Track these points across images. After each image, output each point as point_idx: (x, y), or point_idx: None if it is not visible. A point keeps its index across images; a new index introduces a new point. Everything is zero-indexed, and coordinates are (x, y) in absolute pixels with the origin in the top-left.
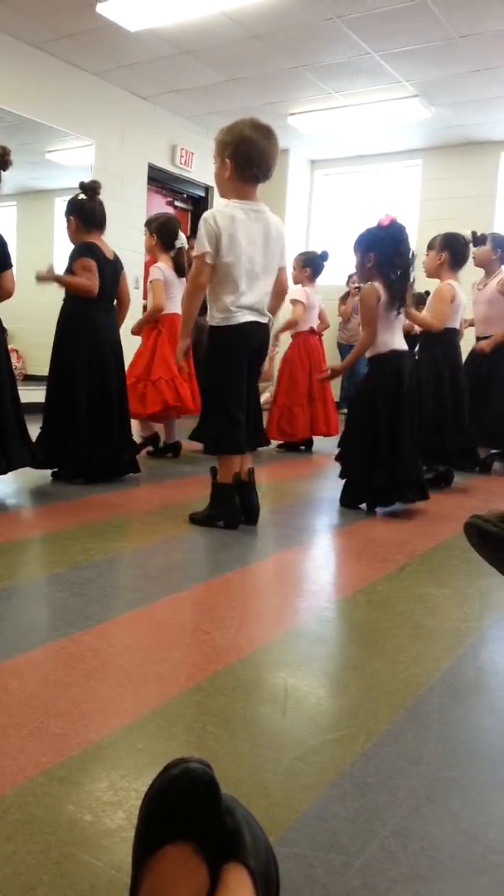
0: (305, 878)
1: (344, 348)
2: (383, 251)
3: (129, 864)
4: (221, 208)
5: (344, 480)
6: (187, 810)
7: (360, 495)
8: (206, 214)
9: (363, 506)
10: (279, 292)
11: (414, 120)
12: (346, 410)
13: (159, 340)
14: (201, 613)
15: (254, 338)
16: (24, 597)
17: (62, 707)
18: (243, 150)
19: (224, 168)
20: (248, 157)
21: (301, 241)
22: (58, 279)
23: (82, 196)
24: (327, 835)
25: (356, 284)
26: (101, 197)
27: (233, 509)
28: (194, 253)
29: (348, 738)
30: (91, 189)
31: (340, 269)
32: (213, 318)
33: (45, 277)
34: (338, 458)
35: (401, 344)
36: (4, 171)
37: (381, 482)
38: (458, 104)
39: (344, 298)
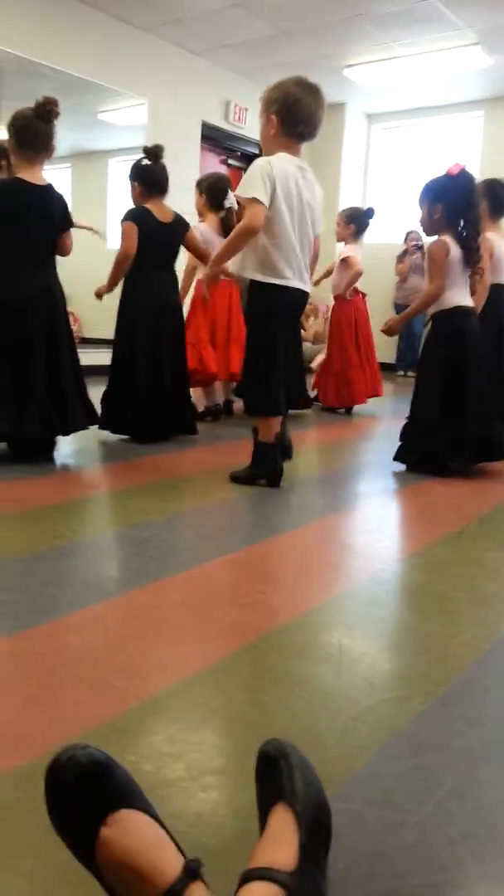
0: (359, 834)
1: (400, 308)
2: (452, 202)
3: (188, 813)
4: (274, 159)
5: (403, 440)
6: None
7: (424, 455)
8: (259, 160)
9: (425, 467)
10: (312, 261)
11: (475, 69)
12: (401, 372)
13: (194, 306)
14: (256, 574)
15: (297, 302)
16: (84, 555)
17: (121, 661)
18: (290, 106)
19: (270, 125)
20: (295, 114)
21: (358, 198)
22: (101, 294)
23: (145, 160)
24: (382, 792)
25: (415, 242)
26: None
27: (274, 468)
28: (244, 194)
29: (403, 699)
30: (154, 154)
31: (398, 226)
32: (258, 273)
33: (102, 293)
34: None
35: (467, 300)
36: (48, 122)
37: (445, 442)
38: None
39: (401, 257)
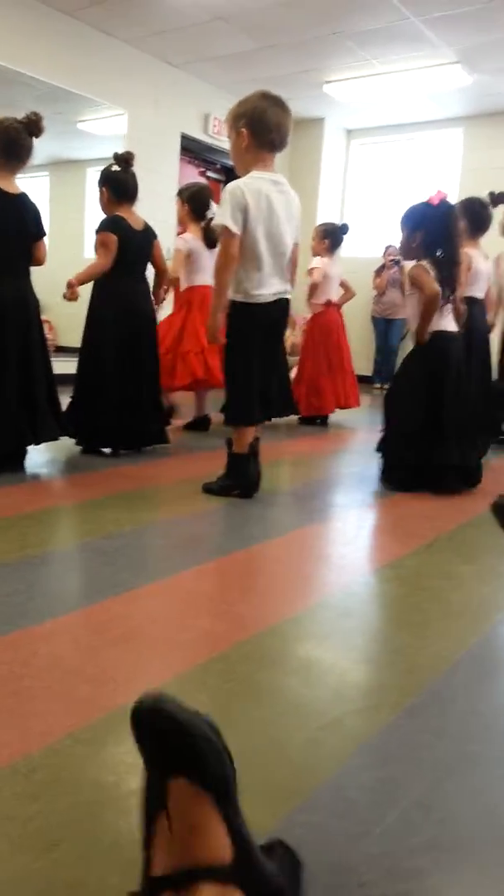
0: (324, 845)
1: (378, 322)
2: (432, 231)
3: None
4: (247, 180)
5: (381, 456)
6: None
7: (398, 474)
8: (231, 186)
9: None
10: (292, 269)
11: (455, 87)
12: (378, 385)
13: (189, 313)
14: (228, 584)
15: (275, 312)
16: (54, 564)
17: (90, 671)
18: (258, 118)
19: (241, 139)
20: (265, 124)
21: (336, 212)
22: (73, 284)
23: (115, 167)
24: (347, 803)
25: (392, 257)
26: (135, 167)
27: (249, 479)
28: (216, 222)
29: (372, 710)
30: (124, 160)
31: (376, 240)
32: (233, 293)
33: (71, 294)
34: (383, 437)
35: (449, 325)
36: (36, 137)
37: (418, 463)
38: (501, 70)
39: (379, 271)
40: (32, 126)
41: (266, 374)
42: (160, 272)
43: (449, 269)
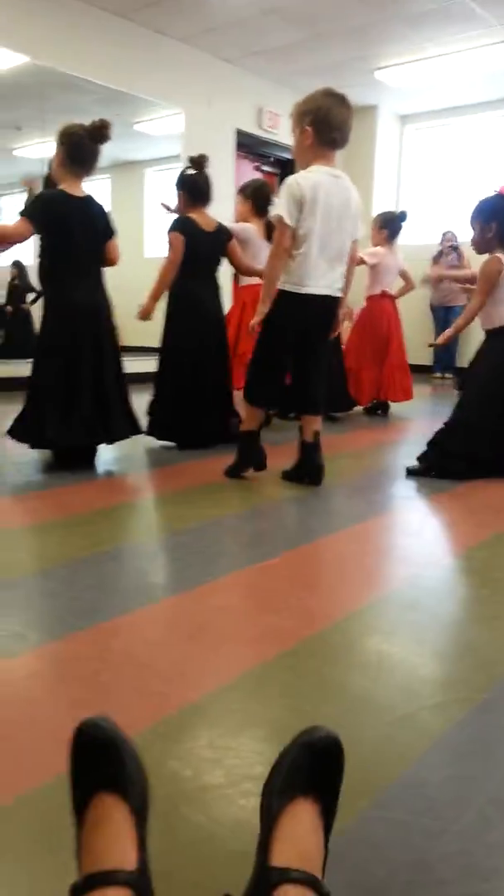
0: (402, 842)
1: (437, 310)
2: None
3: (227, 819)
4: (305, 173)
5: (434, 445)
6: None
7: (460, 463)
8: (289, 179)
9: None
10: (350, 266)
11: None
12: (438, 374)
13: (244, 312)
14: (294, 579)
15: (318, 306)
16: (125, 560)
17: (162, 667)
18: (323, 116)
19: (305, 136)
20: (328, 123)
21: (391, 200)
22: (148, 304)
23: (190, 170)
24: (423, 800)
25: (450, 243)
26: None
27: (255, 454)
28: (274, 214)
29: (444, 706)
30: (198, 163)
31: (433, 227)
32: (281, 282)
33: (146, 313)
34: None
35: None
36: (101, 143)
37: (491, 454)
38: None
39: (437, 258)
40: (97, 133)
41: (306, 370)
42: (241, 270)
43: None
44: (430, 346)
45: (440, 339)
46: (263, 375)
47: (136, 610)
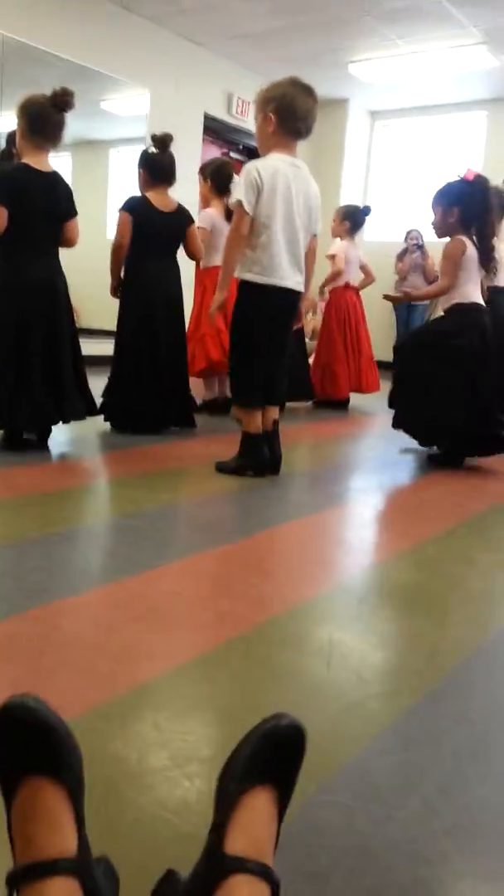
0: (346, 827)
1: (400, 308)
2: (469, 207)
3: (173, 801)
4: (264, 160)
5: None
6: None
7: (431, 436)
8: (248, 165)
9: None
10: (310, 260)
11: (480, 69)
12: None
13: (205, 295)
14: (248, 566)
15: (283, 300)
16: (77, 542)
17: (110, 648)
18: (288, 104)
19: (267, 123)
20: (293, 112)
21: (359, 195)
22: (112, 282)
23: (153, 149)
24: (369, 787)
25: (415, 241)
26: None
27: (261, 458)
28: (232, 200)
29: (393, 694)
30: (162, 141)
31: (399, 225)
32: (244, 272)
33: (113, 290)
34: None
35: (480, 298)
36: (65, 112)
37: (455, 429)
38: None
39: (401, 255)
40: (59, 100)
41: (273, 360)
42: (193, 257)
43: (484, 245)
44: (385, 297)
45: (395, 296)
46: (246, 374)
47: (86, 592)
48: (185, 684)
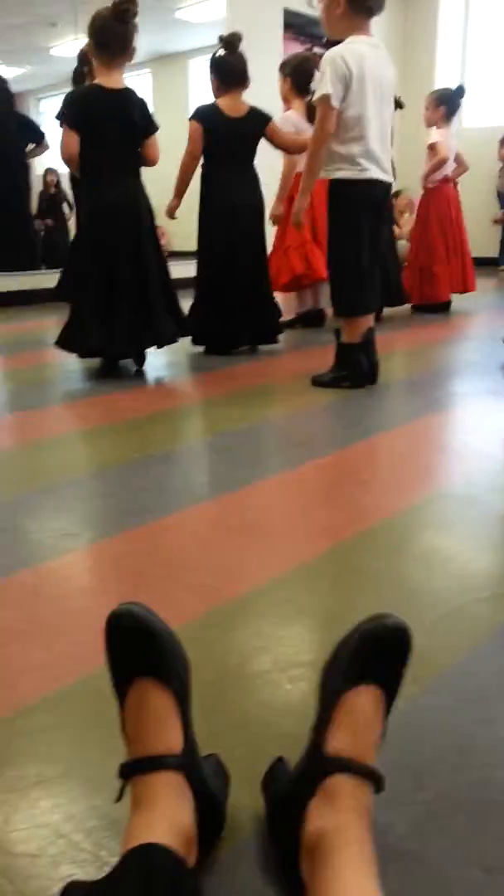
0: (449, 727)
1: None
2: None
3: (276, 703)
4: (350, 45)
5: None
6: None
7: None
8: (331, 53)
9: None
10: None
11: None
12: None
13: (291, 203)
14: (346, 476)
15: (379, 194)
16: (175, 462)
17: (212, 562)
18: None
19: (335, 4)
20: None
21: (455, 77)
22: (172, 202)
23: (221, 51)
24: (475, 689)
25: None
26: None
27: (359, 369)
28: (317, 96)
29: (498, 598)
30: (230, 43)
31: (499, 106)
32: (335, 170)
33: (171, 210)
34: None
35: None
36: (126, 22)
37: None
38: None
39: None
40: (120, 10)
41: (373, 262)
42: (290, 150)
43: None
44: (496, 221)
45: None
46: (355, 279)
47: (187, 509)
48: (285, 593)
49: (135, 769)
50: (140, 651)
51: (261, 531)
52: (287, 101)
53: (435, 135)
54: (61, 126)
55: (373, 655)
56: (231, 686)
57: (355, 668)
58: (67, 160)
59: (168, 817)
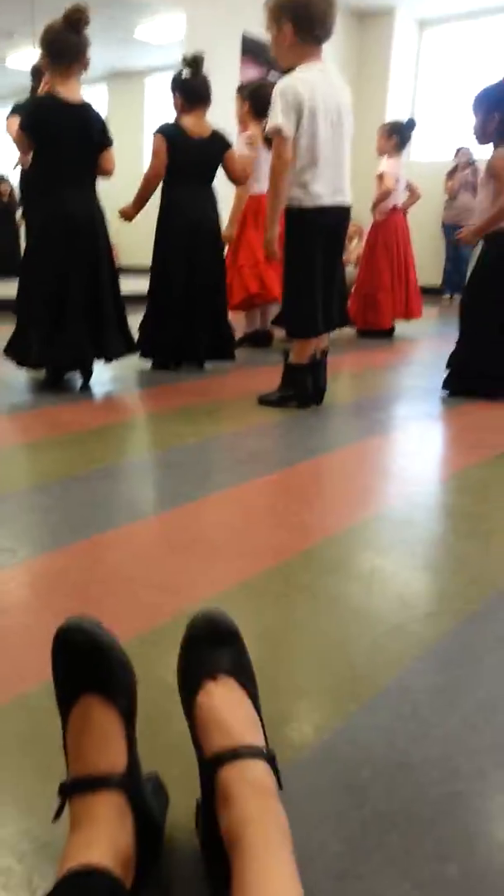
0: (386, 745)
1: (449, 229)
2: None
3: None
4: (298, 75)
5: (450, 366)
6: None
7: (470, 381)
8: (281, 84)
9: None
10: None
11: None
12: (448, 295)
13: (244, 225)
14: (290, 495)
15: (333, 219)
16: (119, 476)
17: (154, 579)
18: (303, 11)
19: (283, 35)
20: (309, 18)
21: (406, 113)
22: (129, 209)
23: (185, 70)
24: (410, 706)
25: (466, 158)
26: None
27: (306, 390)
28: (268, 127)
29: (434, 617)
30: (194, 62)
31: (448, 142)
32: (291, 199)
33: (125, 214)
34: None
35: None
36: (79, 31)
37: (491, 370)
38: None
39: (451, 174)
40: (72, 20)
41: (326, 286)
42: (237, 181)
43: None
44: (457, 241)
45: (467, 236)
46: (307, 303)
47: (130, 524)
48: (228, 610)
49: (75, 788)
50: (90, 666)
51: (205, 547)
52: (244, 124)
53: (384, 164)
54: (17, 127)
55: (208, 651)
56: (171, 705)
57: (190, 670)
58: (21, 162)
59: (107, 837)
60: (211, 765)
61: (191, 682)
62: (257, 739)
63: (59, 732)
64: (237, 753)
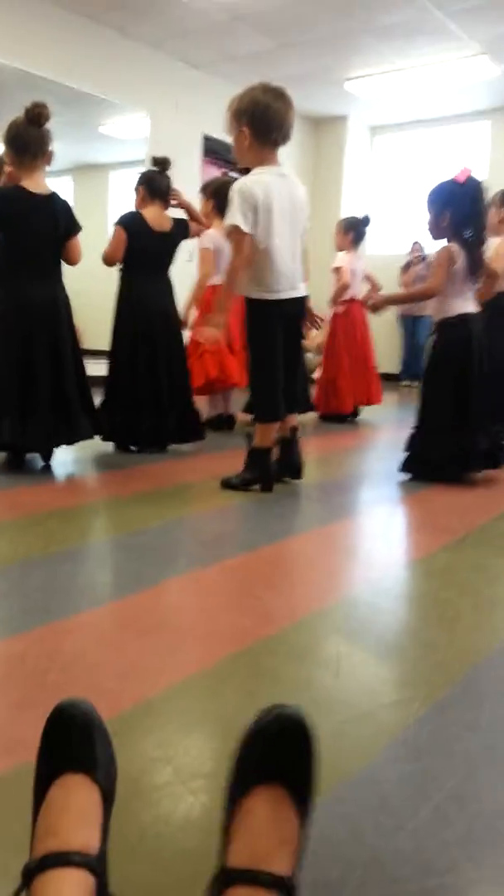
0: (354, 839)
1: (406, 320)
2: (460, 209)
3: (176, 817)
4: (253, 177)
5: (408, 449)
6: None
7: (427, 466)
8: (237, 185)
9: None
10: (304, 261)
11: (482, 79)
12: (406, 382)
13: (207, 314)
14: (254, 579)
15: (293, 309)
16: (80, 560)
17: (115, 665)
18: (260, 115)
19: (242, 137)
20: (267, 122)
21: (360, 211)
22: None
23: (153, 169)
24: (378, 797)
25: (418, 253)
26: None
27: (269, 473)
28: (226, 225)
29: (403, 704)
30: (162, 164)
31: (402, 237)
32: (251, 290)
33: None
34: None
35: (471, 307)
36: (41, 125)
37: (447, 454)
38: None
39: (406, 268)
40: (33, 115)
41: (288, 369)
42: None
43: (475, 251)
44: (370, 308)
45: (378, 303)
46: (271, 389)
47: (90, 609)
48: (190, 699)
49: (44, 866)
50: (80, 744)
51: (166, 633)
52: (207, 220)
53: (339, 259)
54: None
55: (268, 752)
56: (131, 799)
57: (249, 769)
58: None
59: None
60: (229, 876)
61: (242, 779)
62: (284, 866)
63: (17, 824)
64: (271, 880)
